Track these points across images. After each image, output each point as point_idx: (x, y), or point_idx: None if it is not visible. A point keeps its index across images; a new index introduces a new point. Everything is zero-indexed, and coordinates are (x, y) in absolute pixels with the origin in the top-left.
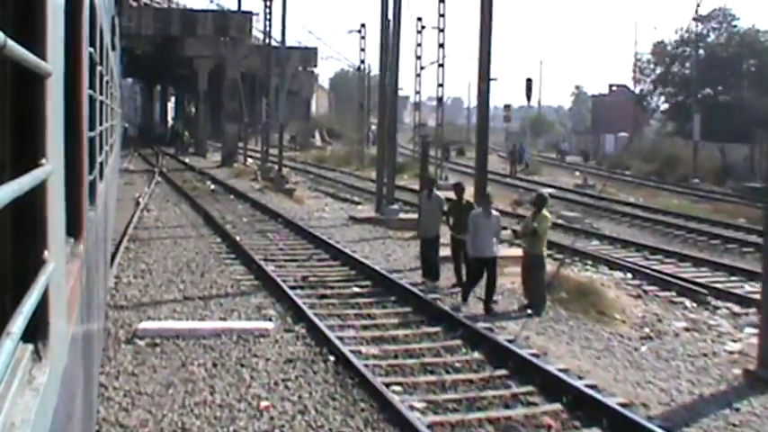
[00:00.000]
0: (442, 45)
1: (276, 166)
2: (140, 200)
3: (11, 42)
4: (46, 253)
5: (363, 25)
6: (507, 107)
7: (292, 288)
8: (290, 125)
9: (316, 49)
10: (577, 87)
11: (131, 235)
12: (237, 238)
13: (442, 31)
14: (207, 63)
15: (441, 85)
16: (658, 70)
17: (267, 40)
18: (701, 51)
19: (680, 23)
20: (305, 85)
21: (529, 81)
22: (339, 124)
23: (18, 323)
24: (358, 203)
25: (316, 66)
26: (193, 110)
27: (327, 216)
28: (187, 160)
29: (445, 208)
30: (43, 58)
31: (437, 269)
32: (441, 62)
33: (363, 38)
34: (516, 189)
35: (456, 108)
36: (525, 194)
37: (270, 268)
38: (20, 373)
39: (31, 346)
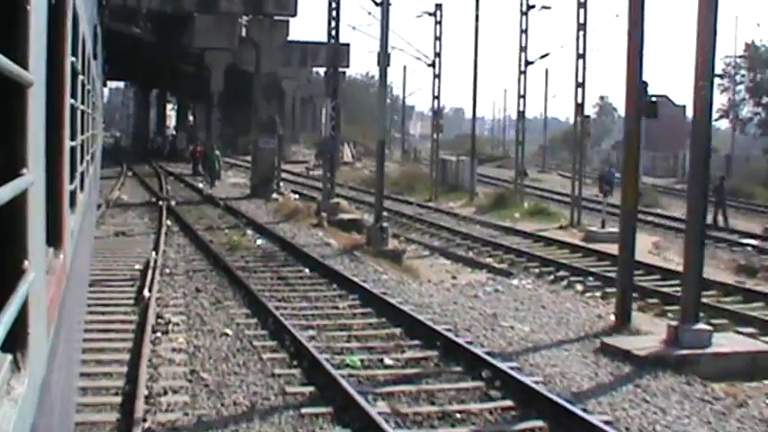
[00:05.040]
0: (582, 26)
1: (337, 200)
2: (146, 289)
3: None
4: (26, 263)
5: (439, 6)
6: (587, 118)
7: None
8: (303, 137)
9: (347, 45)
10: (602, 98)
11: None
12: None
13: (583, 5)
14: (222, 58)
15: (581, 86)
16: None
17: (335, 18)
18: None
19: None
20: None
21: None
22: (362, 137)
23: None
24: (505, 273)
25: (348, 66)
26: (191, 118)
27: (538, 337)
28: (200, 185)
29: None
30: (25, 67)
31: None
32: (582, 51)
33: (439, 23)
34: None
35: (457, 119)
36: (753, 256)
37: None
38: None
39: (9, 357)
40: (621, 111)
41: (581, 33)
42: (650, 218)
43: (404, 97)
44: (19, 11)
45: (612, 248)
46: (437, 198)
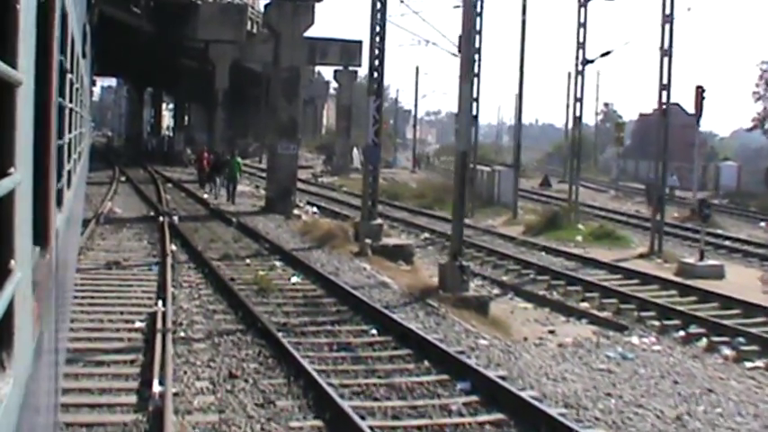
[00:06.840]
0: (669, 17)
1: (380, 221)
2: (156, 380)
3: None
4: (12, 263)
5: None
6: (620, 125)
7: None
8: (305, 141)
9: (359, 42)
10: (606, 105)
11: None
12: None
13: None
14: (228, 52)
15: (665, 88)
16: None
17: (382, 0)
18: None
19: None
20: (344, 90)
21: (699, 89)
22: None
23: None
24: (615, 325)
25: (360, 65)
26: (187, 118)
27: None
28: (206, 196)
29: None
30: (14, 66)
31: None
32: (667, 47)
33: (479, 15)
34: None
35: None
36: None
37: None
38: None
39: None
40: (626, 118)
41: (667, 26)
42: (726, 242)
43: (416, 100)
44: (8, 10)
45: (720, 287)
46: (473, 214)
